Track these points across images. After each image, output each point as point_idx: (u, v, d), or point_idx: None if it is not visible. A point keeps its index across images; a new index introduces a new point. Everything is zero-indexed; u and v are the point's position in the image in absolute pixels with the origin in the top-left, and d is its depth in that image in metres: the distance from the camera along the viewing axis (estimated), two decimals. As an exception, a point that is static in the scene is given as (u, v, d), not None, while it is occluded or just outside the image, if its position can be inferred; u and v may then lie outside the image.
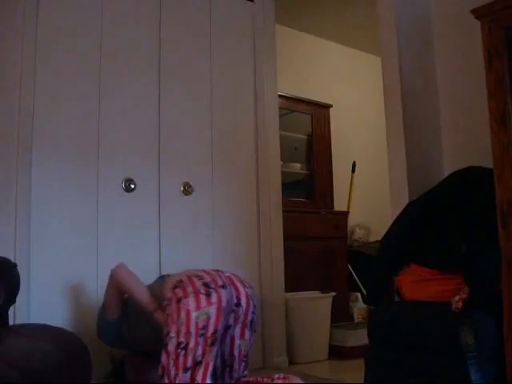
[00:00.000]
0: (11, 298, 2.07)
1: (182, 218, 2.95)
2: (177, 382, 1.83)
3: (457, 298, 1.95)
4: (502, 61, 1.91)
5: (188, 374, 1.85)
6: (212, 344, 1.90)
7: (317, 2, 4.14)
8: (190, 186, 2.99)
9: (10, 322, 2.11)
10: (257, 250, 3.23)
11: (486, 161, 2.00)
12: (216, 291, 1.95)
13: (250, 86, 3.38)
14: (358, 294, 3.95)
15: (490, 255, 1.92)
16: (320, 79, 4.70)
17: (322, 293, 3.58)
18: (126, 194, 2.77)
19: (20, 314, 2.31)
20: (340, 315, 3.71)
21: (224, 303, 1.95)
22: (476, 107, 2.40)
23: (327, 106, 4.44)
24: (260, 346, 3.09)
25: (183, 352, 1.85)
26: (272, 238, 3.28)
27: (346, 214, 4.25)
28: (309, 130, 4.34)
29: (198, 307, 1.90)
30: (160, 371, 1.90)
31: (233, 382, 2.04)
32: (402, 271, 2.27)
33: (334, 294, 3.57)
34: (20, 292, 2.12)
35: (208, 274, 2.06)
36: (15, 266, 2.12)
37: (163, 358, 1.89)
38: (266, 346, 3.13)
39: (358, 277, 4.02)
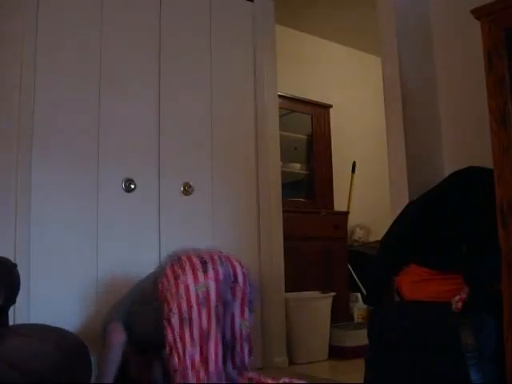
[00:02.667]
0: (11, 298, 2.07)
1: (182, 218, 2.95)
2: (186, 356, 1.84)
3: (457, 298, 1.95)
4: (502, 61, 1.91)
5: (197, 348, 1.86)
6: (216, 316, 1.93)
7: (317, 2, 4.14)
8: (190, 186, 2.99)
9: (10, 322, 2.11)
10: (257, 250, 3.23)
11: (486, 161, 1.99)
12: (213, 268, 2.01)
13: (250, 86, 3.38)
14: (358, 294, 3.94)
15: (490, 255, 1.92)
16: (320, 79, 4.70)
17: (322, 293, 3.57)
18: (126, 194, 2.77)
19: (20, 314, 2.30)
20: (340, 315, 3.71)
21: (221, 277, 2.01)
22: (476, 107, 2.40)
23: (327, 106, 4.44)
24: (260, 346, 3.08)
25: (187, 324, 1.88)
26: (272, 238, 3.28)
27: (346, 214, 4.25)
28: (309, 130, 4.35)
29: (196, 281, 1.95)
30: (167, 349, 1.90)
31: (235, 369, 2.04)
32: (402, 271, 2.27)
33: (333, 293, 3.57)
34: (20, 292, 2.11)
35: (207, 252, 2.12)
36: (15, 266, 2.12)
37: (169, 334, 1.90)
38: (266, 346, 3.13)
39: (357, 277, 4.01)
